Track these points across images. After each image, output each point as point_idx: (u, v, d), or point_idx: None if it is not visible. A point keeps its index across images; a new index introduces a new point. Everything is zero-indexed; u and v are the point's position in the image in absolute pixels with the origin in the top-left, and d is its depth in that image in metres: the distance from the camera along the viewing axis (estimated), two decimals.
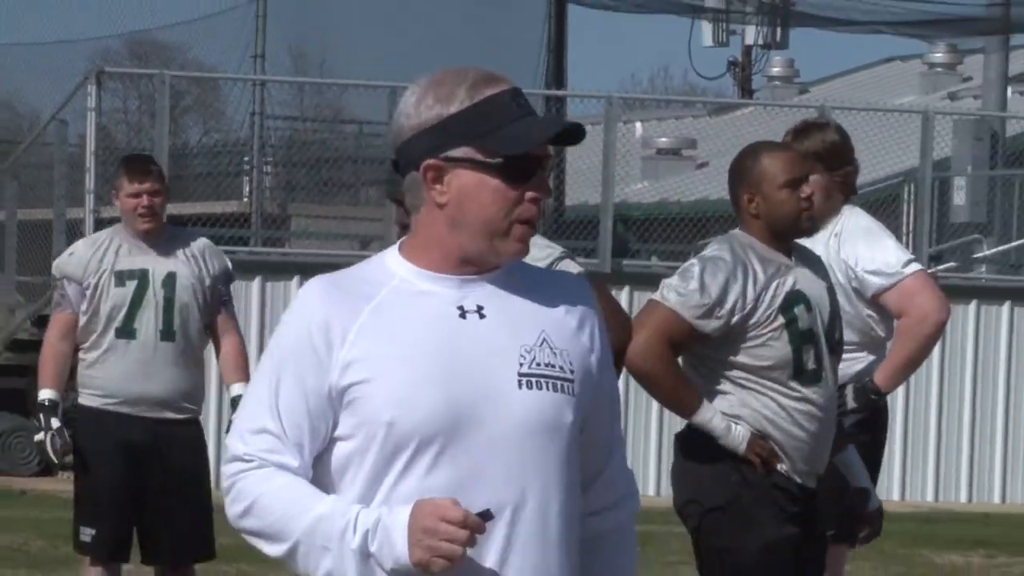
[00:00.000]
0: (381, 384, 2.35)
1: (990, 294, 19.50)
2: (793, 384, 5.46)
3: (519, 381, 2.41)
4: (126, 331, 7.86)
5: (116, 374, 7.91)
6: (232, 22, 24.11)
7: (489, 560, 2.36)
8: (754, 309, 5.19)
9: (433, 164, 2.35)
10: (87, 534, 7.86)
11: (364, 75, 23.06)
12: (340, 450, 2.43)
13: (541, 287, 2.58)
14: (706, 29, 31.62)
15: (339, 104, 27.73)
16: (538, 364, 2.45)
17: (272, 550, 2.51)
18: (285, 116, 26.64)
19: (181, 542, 7.88)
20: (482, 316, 2.44)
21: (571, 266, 5.58)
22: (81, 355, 7.97)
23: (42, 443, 8.13)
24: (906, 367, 6.83)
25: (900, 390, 14.22)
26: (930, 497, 19.15)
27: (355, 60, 25.12)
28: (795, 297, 5.27)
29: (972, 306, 18.79)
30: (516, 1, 25.68)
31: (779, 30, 31.03)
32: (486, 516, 2.27)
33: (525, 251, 2.43)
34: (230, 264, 8.49)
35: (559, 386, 2.45)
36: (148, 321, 7.69)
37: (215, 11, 26.08)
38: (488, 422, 2.39)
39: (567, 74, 25.80)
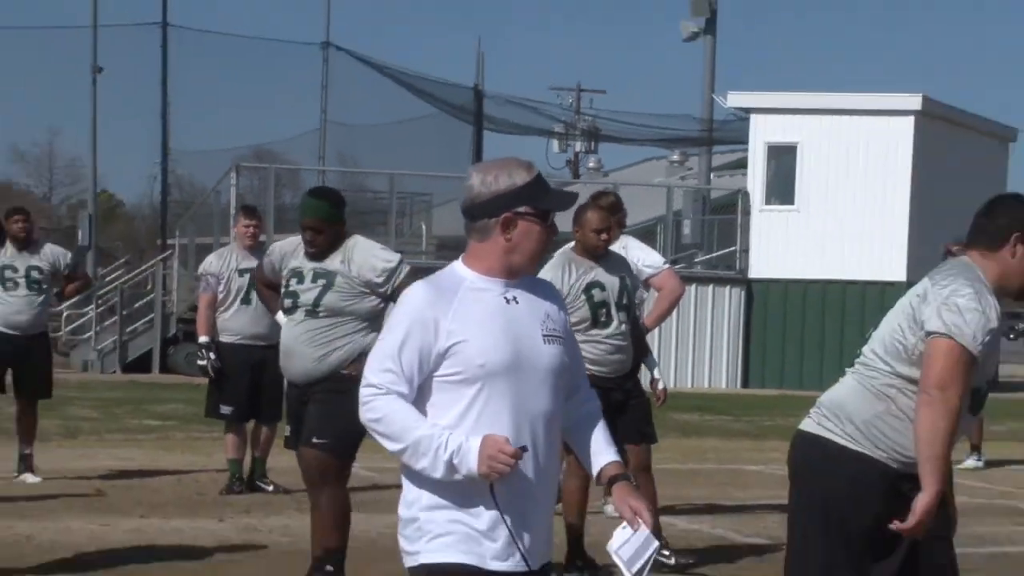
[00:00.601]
0: (473, 343, 3.43)
1: (702, 280, 27.69)
2: (592, 331, 8.27)
3: (543, 339, 3.56)
4: (246, 300, 10.49)
5: (240, 324, 10.71)
6: (308, 138, 33.29)
7: (531, 468, 3.49)
8: (568, 290, 7.76)
9: (508, 216, 3.50)
10: (226, 410, 10.64)
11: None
12: (443, 383, 3.51)
13: (537, 287, 3.72)
14: (554, 143, 43.95)
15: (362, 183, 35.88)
16: (549, 329, 3.61)
17: (390, 446, 3.58)
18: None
19: (270, 407, 10.40)
20: (517, 303, 3.56)
21: (404, 267, 7.81)
22: (219, 314, 10.75)
23: (204, 365, 10.87)
24: (661, 317, 9.82)
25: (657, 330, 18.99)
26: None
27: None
28: (593, 283, 8.05)
29: (692, 287, 25.48)
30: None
31: (593, 143, 42.59)
32: (524, 449, 3.35)
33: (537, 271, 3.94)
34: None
35: (560, 342, 3.60)
36: (254, 295, 9.75)
37: (299, 133, 35.42)
38: (532, 362, 3.52)
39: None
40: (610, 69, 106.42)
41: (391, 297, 7.54)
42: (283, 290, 7.76)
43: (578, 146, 44.14)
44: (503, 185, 3.42)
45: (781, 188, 27.61)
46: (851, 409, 4.70)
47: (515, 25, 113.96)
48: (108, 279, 32.03)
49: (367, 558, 8.36)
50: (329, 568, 7.58)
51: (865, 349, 4.85)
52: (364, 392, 3.50)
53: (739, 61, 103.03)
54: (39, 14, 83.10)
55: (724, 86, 32.91)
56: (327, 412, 7.51)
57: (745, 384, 27.85)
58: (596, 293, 8.13)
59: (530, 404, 3.50)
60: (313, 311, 7.58)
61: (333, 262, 7.57)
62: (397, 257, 7.98)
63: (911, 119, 26.66)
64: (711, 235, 29.93)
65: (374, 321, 7.60)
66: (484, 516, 3.48)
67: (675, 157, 41.90)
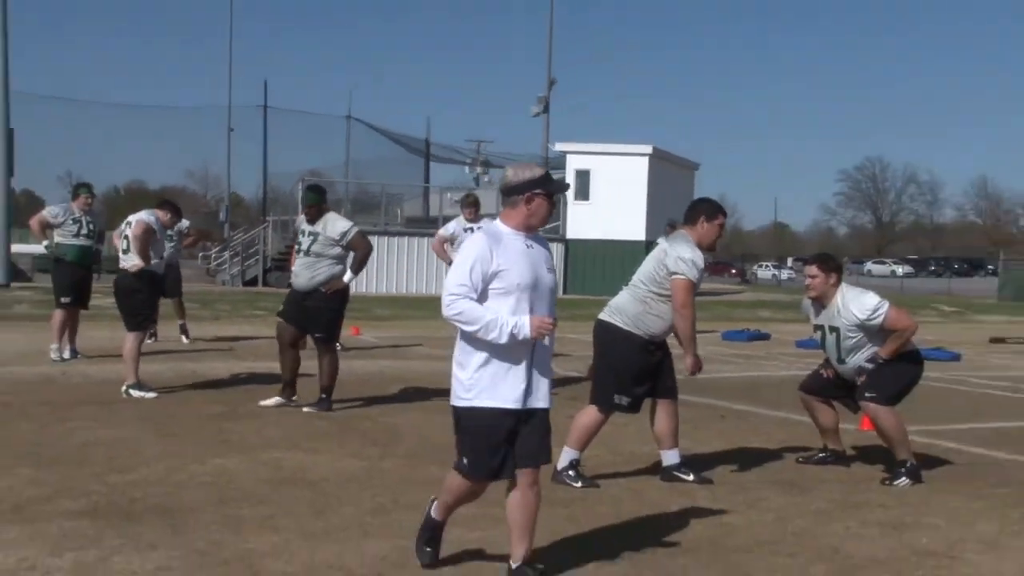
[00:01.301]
0: (512, 271, 5.20)
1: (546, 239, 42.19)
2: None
3: (547, 270, 5.37)
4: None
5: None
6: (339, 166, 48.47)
7: (548, 339, 5.39)
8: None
9: (530, 195, 5.26)
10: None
11: None
12: (495, 294, 5.19)
13: (540, 240, 5.31)
14: (466, 168, 55.76)
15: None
16: (549, 265, 5.40)
17: (468, 328, 5.19)
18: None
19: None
20: (532, 248, 5.27)
21: (354, 230, 10.93)
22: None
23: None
24: None
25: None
26: None
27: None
28: None
29: None
30: None
31: (488, 168, 54.57)
32: (555, 323, 5.36)
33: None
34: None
35: (553, 273, 5.38)
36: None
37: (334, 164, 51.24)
38: (542, 283, 5.30)
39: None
40: (497, 127, 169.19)
41: (348, 247, 11.21)
42: (297, 241, 11.51)
43: (479, 169, 57.08)
44: (526, 177, 5.20)
45: (582, 192, 37.91)
46: (626, 308, 8.26)
47: (452, 110, 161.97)
48: (235, 237, 46.88)
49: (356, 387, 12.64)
50: (323, 396, 11.32)
51: (634, 278, 8.33)
52: (447, 297, 5.29)
53: (563, 123, 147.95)
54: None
55: (554, 137, 44.58)
56: (320, 316, 11.24)
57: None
58: None
59: (539, 307, 5.37)
60: (307, 253, 11.14)
61: (317, 227, 11.10)
62: (350, 224, 11.37)
63: (647, 159, 37.55)
64: (562, 213, 38.90)
65: (340, 260, 11.29)
66: (517, 373, 5.39)
67: None
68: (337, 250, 11.11)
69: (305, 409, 11.06)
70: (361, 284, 19.63)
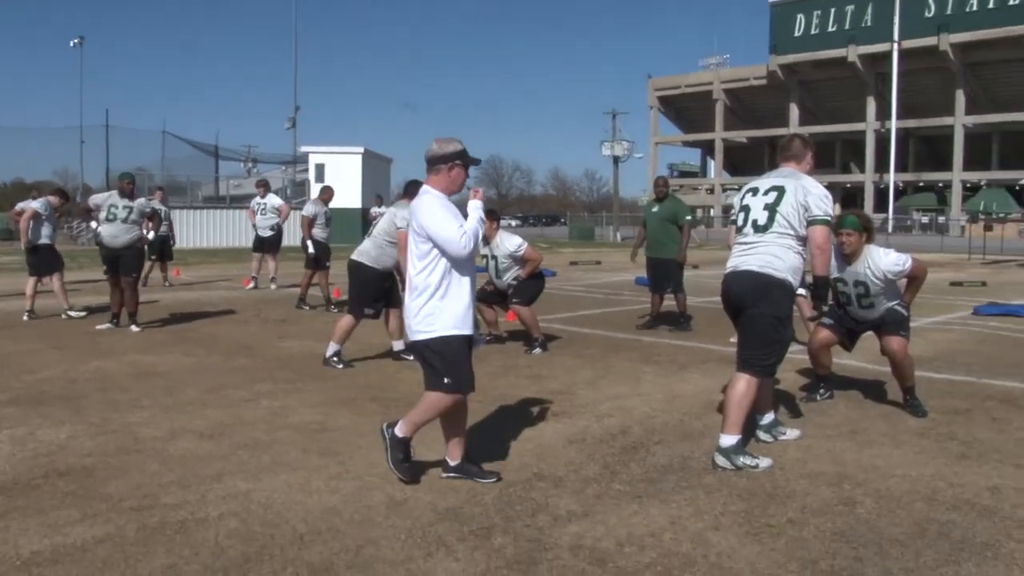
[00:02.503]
0: (455, 217, 4.31)
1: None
2: None
3: (460, 226, 4.25)
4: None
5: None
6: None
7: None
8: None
9: (454, 164, 4.29)
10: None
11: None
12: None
13: (452, 203, 4.31)
14: None
15: None
16: (462, 220, 4.29)
17: (474, 241, 4.35)
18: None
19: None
20: (451, 207, 4.35)
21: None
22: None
23: None
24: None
25: None
26: None
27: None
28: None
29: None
30: None
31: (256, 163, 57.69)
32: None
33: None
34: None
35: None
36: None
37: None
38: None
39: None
40: (264, 134, 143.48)
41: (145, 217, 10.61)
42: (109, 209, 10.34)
43: (250, 164, 47.46)
44: (449, 150, 4.33)
45: (320, 177, 33.80)
46: (369, 251, 7.99)
47: (234, 121, 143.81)
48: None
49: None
50: (133, 319, 10.32)
51: (374, 232, 8.00)
52: (461, 239, 4.35)
53: (308, 130, 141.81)
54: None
55: (301, 141, 41.95)
56: (130, 263, 10.35)
57: None
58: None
59: None
60: (114, 220, 10.28)
61: (124, 200, 10.34)
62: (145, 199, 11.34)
63: (360, 156, 35.05)
64: (307, 191, 34.89)
65: (136, 226, 10.39)
66: (468, 307, 4.47)
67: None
68: (136, 217, 10.31)
69: (133, 328, 10.26)
70: (178, 241, 18.92)
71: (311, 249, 12.57)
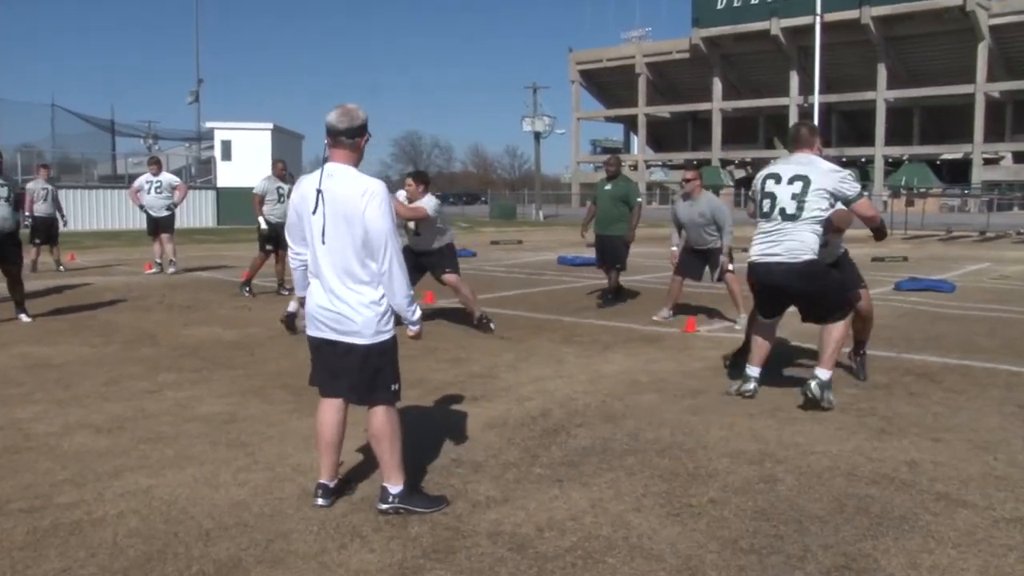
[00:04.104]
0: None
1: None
2: None
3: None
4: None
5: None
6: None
7: None
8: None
9: (367, 134, 4.03)
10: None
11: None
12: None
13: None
14: None
15: None
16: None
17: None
18: None
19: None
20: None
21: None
22: None
23: None
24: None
25: None
26: None
27: None
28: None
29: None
30: None
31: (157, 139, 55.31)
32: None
33: None
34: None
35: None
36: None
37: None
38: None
39: None
40: (165, 108, 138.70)
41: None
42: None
43: (150, 141, 45.97)
44: (361, 120, 4.07)
45: (227, 155, 34.56)
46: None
47: (132, 95, 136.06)
48: None
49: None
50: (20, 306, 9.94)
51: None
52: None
53: (212, 104, 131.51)
54: None
55: (205, 116, 41.31)
56: (12, 253, 9.86)
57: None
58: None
59: None
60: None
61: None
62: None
63: (270, 132, 34.08)
64: (213, 169, 35.72)
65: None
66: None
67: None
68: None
69: (24, 318, 9.87)
70: (70, 223, 18.35)
71: (263, 226, 12.02)
